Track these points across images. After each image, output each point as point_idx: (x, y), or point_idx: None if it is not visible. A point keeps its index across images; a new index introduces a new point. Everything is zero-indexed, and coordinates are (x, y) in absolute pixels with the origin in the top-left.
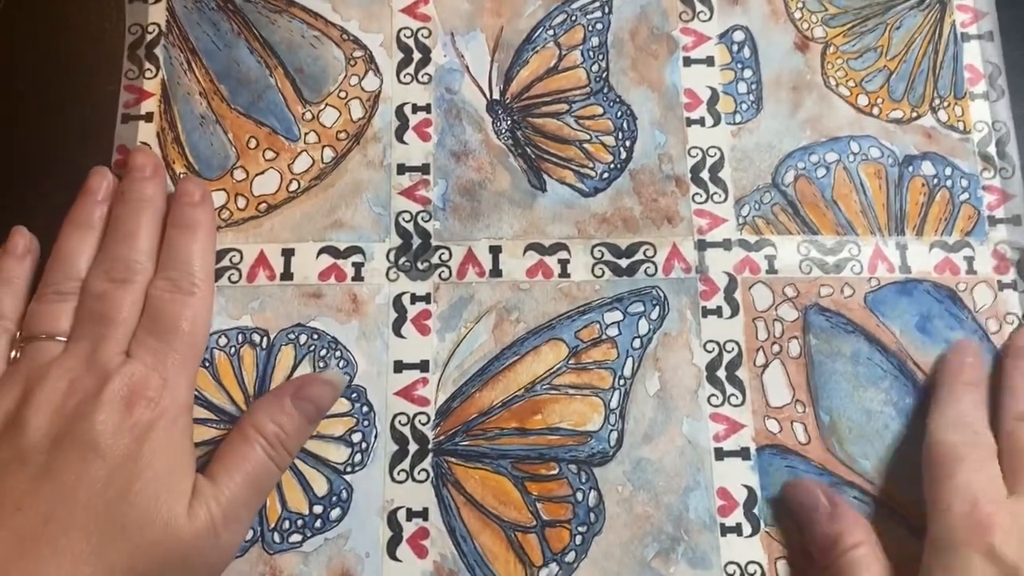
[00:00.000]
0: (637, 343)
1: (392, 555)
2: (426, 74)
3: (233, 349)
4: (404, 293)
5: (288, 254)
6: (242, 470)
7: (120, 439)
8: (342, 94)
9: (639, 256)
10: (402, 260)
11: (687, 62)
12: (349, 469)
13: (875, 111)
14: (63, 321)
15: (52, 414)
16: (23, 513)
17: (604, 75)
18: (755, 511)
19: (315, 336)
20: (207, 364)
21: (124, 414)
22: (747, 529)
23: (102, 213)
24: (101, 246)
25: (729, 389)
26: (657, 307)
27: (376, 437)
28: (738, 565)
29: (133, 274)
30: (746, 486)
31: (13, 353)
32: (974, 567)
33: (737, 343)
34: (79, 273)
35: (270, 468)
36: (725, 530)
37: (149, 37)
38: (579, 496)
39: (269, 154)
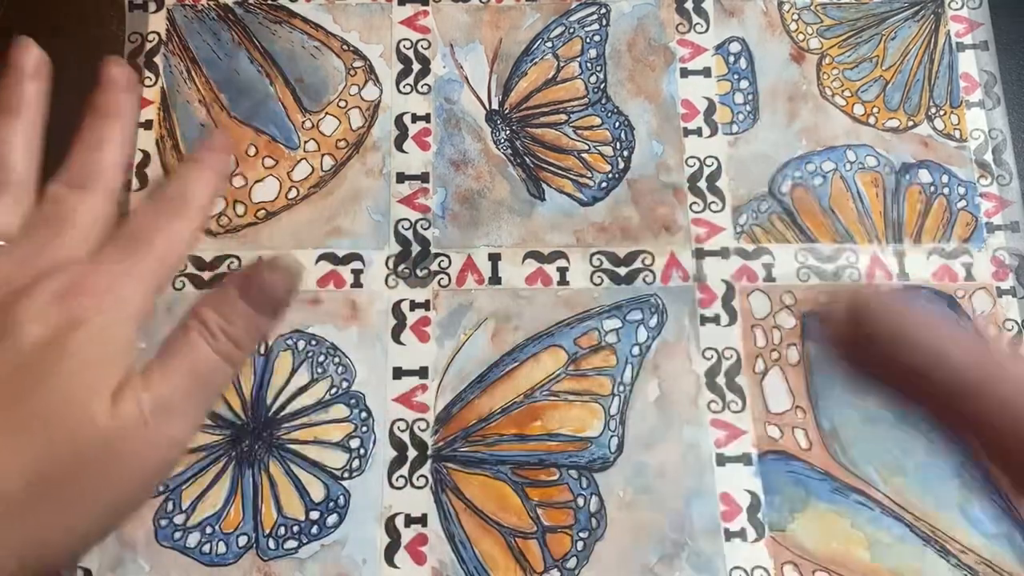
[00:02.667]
0: (636, 350)
1: (390, 562)
2: (425, 84)
3: None
4: (403, 300)
5: None
6: (178, 360)
7: (40, 327)
8: (342, 103)
9: (637, 264)
10: (401, 267)
11: (684, 73)
12: (347, 475)
13: (871, 120)
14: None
15: None
16: None
17: (602, 86)
18: (759, 516)
19: (314, 342)
20: None
21: (52, 307)
22: (751, 534)
23: (34, 91)
24: (67, 156)
25: (729, 396)
26: (656, 315)
27: (374, 443)
28: (743, 570)
29: (95, 181)
30: (749, 491)
31: None
32: None
33: (736, 350)
34: (12, 163)
35: (211, 359)
36: (729, 535)
37: (149, 46)
38: (580, 502)
39: (268, 161)
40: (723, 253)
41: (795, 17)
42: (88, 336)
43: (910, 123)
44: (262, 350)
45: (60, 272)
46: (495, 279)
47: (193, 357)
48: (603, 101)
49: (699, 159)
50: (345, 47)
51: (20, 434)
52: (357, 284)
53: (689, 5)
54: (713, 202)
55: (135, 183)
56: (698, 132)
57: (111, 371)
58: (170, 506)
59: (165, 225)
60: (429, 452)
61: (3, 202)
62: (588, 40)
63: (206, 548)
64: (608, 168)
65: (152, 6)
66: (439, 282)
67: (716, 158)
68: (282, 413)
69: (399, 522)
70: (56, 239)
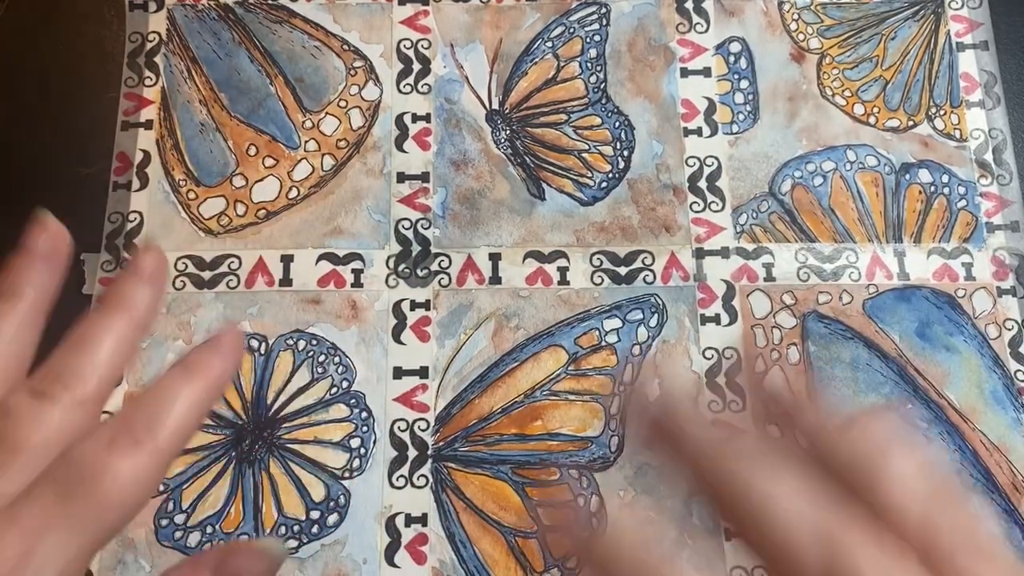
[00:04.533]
0: (637, 350)
1: (390, 561)
2: (426, 84)
3: None
4: (404, 299)
5: (287, 260)
6: None
7: None
8: (342, 103)
9: (638, 264)
10: (402, 267)
11: (684, 73)
12: (347, 475)
13: (871, 120)
14: None
15: None
16: None
17: (602, 86)
18: None
19: (314, 342)
20: None
21: None
22: None
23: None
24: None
25: (729, 395)
26: (656, 315)
27: (375, 443)
28: (744, 570)
29: (64, 389)
30: None
31: None
32: None
33: (736, 350)
34: None
35: None
36: (730, 535)
37: (149, 45)
38: (580, 501)
39: (269, 161)
40: (723, 253)
41: (795, 17)
42: None
43: (910, 123)
44: (262, 350)
45: None
46: (495, 279)
47: None
48: (603, 101)
49: (699, 159)
50: (345, 47)
51: None
52: (357, 284)
53: (689, 5)
54: (713, 202)
55: (136, 183)
56: (698, 132)
57: None
58: (170, 506)
59: (113, 461)
60: (429, 452)
61: None
62: (588, 40)
63: (207, 548)
64: (608, 168)
65: (152, 6)
66: (439, 282)
67: (716, 158)
68: (282, 413)
69: (399, 522)
70: None
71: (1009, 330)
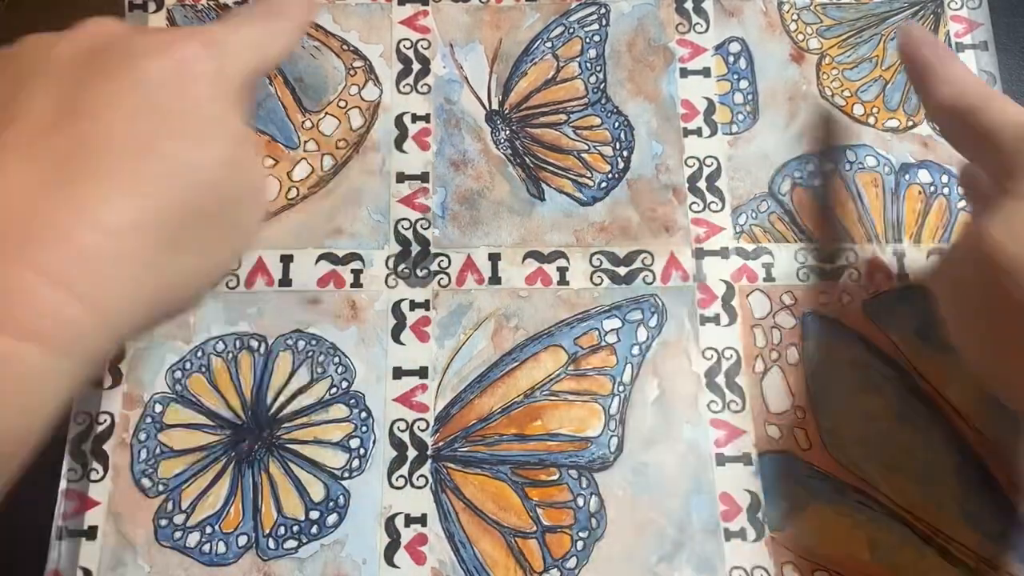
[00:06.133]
0: (636, 350)
1: (390, 562)
2: (425, 84)
3: (231, 355)
4: (403, 300)
5: (287, 260)
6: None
7: (160, 61)
8: (342, 103)
9: (637, 264)
10: (401, 267)
11: (684, 73)
12: (347, 475)
13: (871, 120)
14: None
15: (84, 41)
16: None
17: (602, 86)
18: (759, 516)
19: (313, 342)
20: (204, 370)
21: (165, 52)
22: (751, 534)
23: None
24: None
25: (729, 396)
26: (656, 315)
27: (374, 443)
28: (743, 570)
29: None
30: (749, 491)
31: None
32: None
33: (735, 350)
34: None
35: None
36: (729, 535)
37: None
38: (580, 501)
39: (268, 161)
40: (723, 253)
41: (795, 17)
42: (205, 85)
43: (910, 123)
44: (261, 350)
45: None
46: (495, 279)
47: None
48: (603, 101)
49: (699, 159)
50: (345, 47)
51: (152, 181)
52: (357, 284)
53: (689, 5)
54: (713, 202)
55: None
56: (698, 132)
57: (230, 108)
58: (170, 506)
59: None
60: (429, 452)
61: None
62: (588, 40)
63: (206, 548)
64: (608, 168)
65: (152, 6)
66: (439, 282)
67: (716, 158)
68: (282, 413)
69: (399, 522)
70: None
71: None
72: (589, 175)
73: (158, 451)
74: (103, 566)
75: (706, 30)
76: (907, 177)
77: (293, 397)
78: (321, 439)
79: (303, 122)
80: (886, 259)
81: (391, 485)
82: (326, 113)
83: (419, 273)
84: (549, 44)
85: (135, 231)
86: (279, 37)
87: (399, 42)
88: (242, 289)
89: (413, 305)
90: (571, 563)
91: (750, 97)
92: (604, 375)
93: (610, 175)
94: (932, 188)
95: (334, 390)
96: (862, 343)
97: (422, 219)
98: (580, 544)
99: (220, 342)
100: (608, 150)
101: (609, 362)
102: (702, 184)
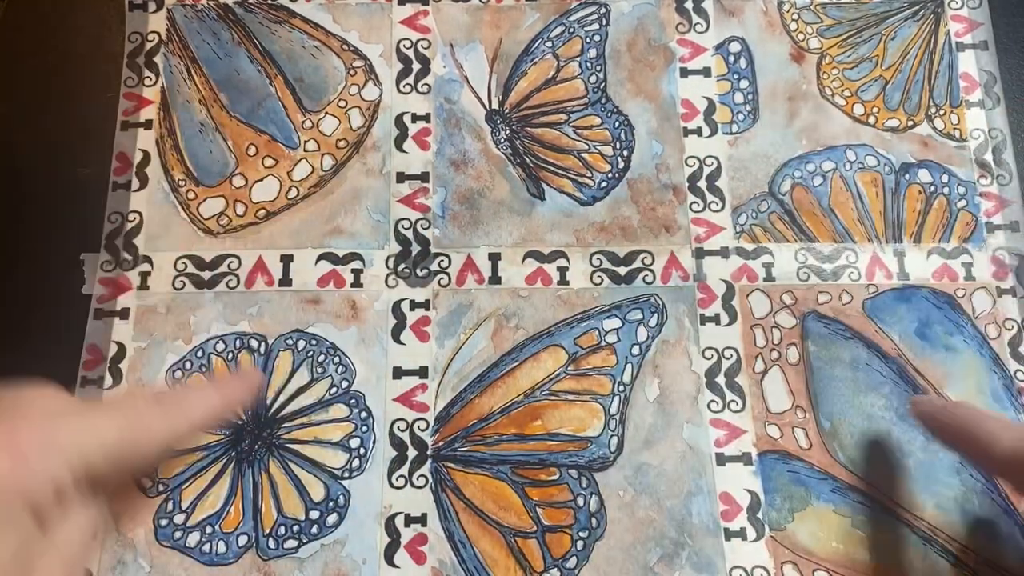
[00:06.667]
0: (636, 350)
1: (390, 561)
2: (425, 84)
3: (231, 354)
4: (403, 299)
5: (287, 260)
6: None
7: None
8: (342, 103)
9: (637, 264)
10: (401, 267)
11: (684, 73)
12: (347, 475)
13: (871, 120)
14: None
15: None
16: None
17: (602, 86)
18: (759, 515)
19: (313, 342)
20: (203, 369)
21: None
22: (751, 534)
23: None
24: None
25: (729, 395)
26: (656, 314)
27: (374, 443)
28: (744, 569)
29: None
30: (749, 491)
31: None
32: None
33: (735, 350)
34: None
35: None
36: (729, 535)
37: (149, 45)
38: (580, 501)
39: (268, 161)
40: (723, 253)
41: (795, 17)
42: None
43: (910, 123)
44: (261, 350)
45: None
46: (495, 279)
47: None
48: (603, 101)
49: (699, 159)
50: (345, 47)
51: None
52: (357, 284)
53: (689, 5)
54: (713, 202)
55: (135, 183)
56: (698, 132)
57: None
58: (170, 506)
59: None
60: (429, 452)
61: None
62: (588, 40)
63: (206, 548)
64: (608, 168)
65: (152, 6)
66: (439, 282)
67: (716, 158)
68: (282, 413)
69: (399, 522)
70: None
71: (1009, 330)
72: (589, 175)
73: None
74: (103, 566)
75: (706, 30)
76: (907, 177)
77: (293, 397)
78: (321, 439)
79: (303, 122)
80: (886, 258)
81: (391, 485)
82: (326, 113)
83: (419, 273)
84: (549, 44)
85: None
86: (151, 433)
87: (399, 42)
88: (242, 289)
89: (413, 305)
90: (571, 563)
91: (750, 97)
92: (604, 375)
93: (610, 175)
94: (932, 188)
95: (334, 390)
96: (862, 343)
97: (422, 219)
98: (580, 544)
99: (220, 342)
100: (608, 150)
101: (609, 362)
102: (702, 184)
